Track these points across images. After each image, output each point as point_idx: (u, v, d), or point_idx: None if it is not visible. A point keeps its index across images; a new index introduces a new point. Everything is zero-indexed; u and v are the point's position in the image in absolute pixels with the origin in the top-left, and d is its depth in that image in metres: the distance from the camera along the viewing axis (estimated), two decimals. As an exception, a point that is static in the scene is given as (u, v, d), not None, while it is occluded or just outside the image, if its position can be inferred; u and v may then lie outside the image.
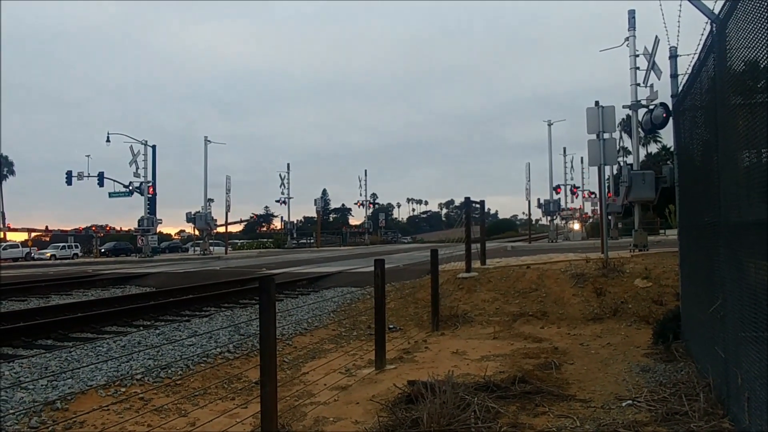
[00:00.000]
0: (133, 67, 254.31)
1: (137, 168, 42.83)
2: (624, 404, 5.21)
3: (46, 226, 63.97)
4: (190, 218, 44.53)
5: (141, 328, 10.19)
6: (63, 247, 54.38)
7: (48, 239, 64.69)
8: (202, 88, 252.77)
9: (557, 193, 50.51)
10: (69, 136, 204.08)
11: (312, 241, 67.83)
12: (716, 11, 4.60)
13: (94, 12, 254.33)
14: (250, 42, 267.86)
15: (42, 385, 6.18)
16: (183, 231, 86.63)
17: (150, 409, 5.88)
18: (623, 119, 44.22)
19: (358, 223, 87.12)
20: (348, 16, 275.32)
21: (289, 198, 57.93)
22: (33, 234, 60.33)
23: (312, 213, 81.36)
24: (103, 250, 56.32)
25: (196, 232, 47.26)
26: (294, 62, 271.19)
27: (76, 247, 56.52)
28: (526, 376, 6.05)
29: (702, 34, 5.21)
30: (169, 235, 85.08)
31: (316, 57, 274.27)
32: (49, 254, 51.73)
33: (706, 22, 4.95)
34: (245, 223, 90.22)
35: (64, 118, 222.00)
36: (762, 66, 3.30)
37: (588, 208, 59.67)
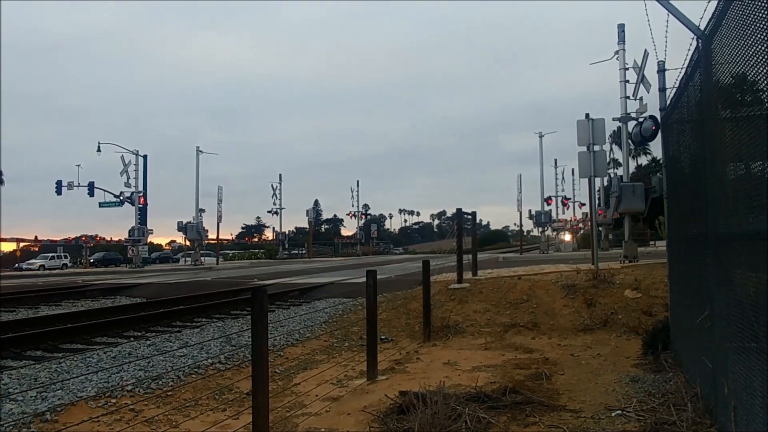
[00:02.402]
0: (128, 74, 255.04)
1: (128, 178, 42.68)
2: (613, 414, 5.25)
3: (36, 236, 63.50)
4: (181, 228, 44.36)
5: (131, 339, 10.14)
6: (52, 257, 53.80)
7: (37, 249, 64.05)
8: (199, 96, 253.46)
9: (548, 204, 50.81)
10: (62, 145, 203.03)
11: (304, 251, 67.63)
12: (702, 27, 4.70)
13: (90, 19, 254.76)
14: (246, 50, 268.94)
15: (31, 397, 6.13)
16: (174, 241, 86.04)
17: (140, 420, 5.85)
18: (614, 131, 44.61)
19: (350, 233, 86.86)
20: (342, 25, 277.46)
21: (281, 209, 57.85)
22: (22, 244, 59.71)
23: (304, 223, 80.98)
24: (92, 261, 55.86)
25: (188, 243, 47.05)
26: (289, 70, 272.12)
27: (66, 257, 55.95)
28: (517, 386, 6.08)
29: (689, 49, 5.32)
30: (160, 245, 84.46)
31: (311, 65, 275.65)
32: (38, 264, 51.21)
33: (692, 38, 5.04)
34: (236, 236, 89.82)
35: (57, 127, 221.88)
36: (747, 80, 3.38)
37: (579, 214, 60.05)
